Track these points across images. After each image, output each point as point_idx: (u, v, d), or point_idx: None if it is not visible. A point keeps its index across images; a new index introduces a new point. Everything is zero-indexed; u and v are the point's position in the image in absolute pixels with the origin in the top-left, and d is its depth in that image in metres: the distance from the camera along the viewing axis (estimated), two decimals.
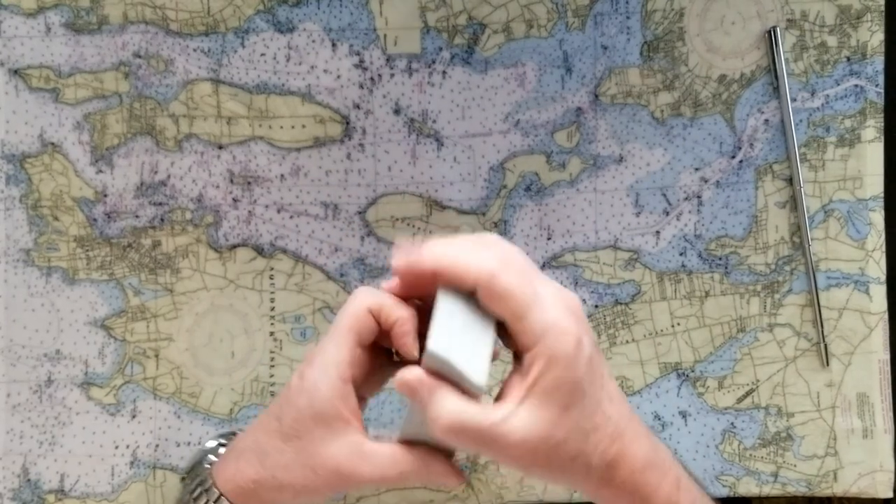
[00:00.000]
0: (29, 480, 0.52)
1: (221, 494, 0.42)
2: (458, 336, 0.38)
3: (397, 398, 0.53)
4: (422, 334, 0.39)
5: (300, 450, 0.40)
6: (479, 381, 0.38)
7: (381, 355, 0.43)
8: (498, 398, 0.38)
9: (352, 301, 0.41)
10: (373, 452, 0.40)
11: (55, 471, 0.52)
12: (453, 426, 0.37)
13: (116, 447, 0.53)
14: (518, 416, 0.37)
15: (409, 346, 0.40)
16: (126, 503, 0.52)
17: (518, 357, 0.39)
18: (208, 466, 0.45)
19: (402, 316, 0.40)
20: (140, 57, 0.53)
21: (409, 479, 0.40)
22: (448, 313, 0.38)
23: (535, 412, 0.37)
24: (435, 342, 0.37)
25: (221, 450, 0.49)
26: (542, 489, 0.53)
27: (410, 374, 0.38)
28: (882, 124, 0.53)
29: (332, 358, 0.40)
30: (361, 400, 0.42)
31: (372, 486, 0.43)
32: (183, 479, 0.47)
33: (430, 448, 0.40)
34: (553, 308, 0.37)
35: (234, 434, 0.49)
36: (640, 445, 0.39)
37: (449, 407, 0.37)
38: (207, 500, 0.42)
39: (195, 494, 0.43)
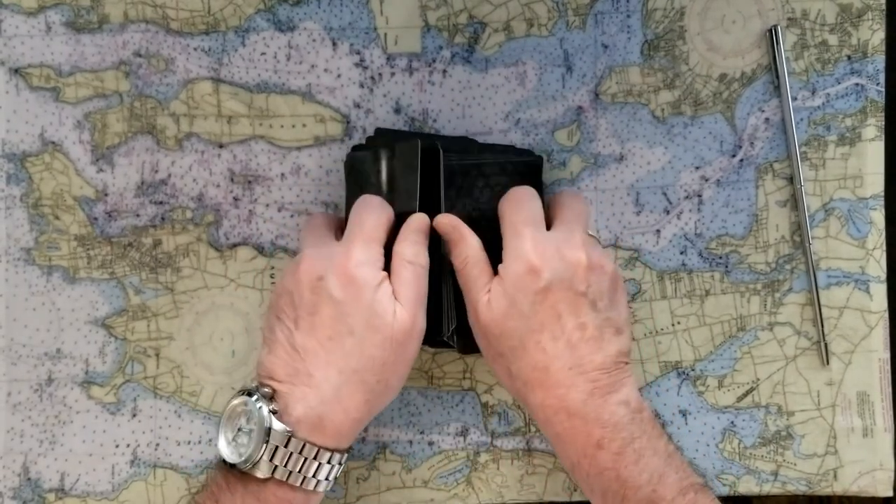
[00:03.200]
0: (29, 479, 0.52)
1: (333, 451, 0.44)
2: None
3: (398, 398, 0.53)
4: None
5: (385, 341, 0.44)
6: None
7: None
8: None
9: (363, 205, 0.47)
10: (399, 292, 0.46)
11: (55, 470, 0.52)
12: (464, 266, 0.46)
13: (117, 446, 0.53)
14: (492, 294, 0.45)
15: None
16: (126, 502, 0.52)
17: None
18: (294, 437, 0.42)
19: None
20: (140, 56, 0.53)
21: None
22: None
23: (487, 304, 0.45)
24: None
25: (284, 427, 0.43)
26: (542, 489, 0.53)
27: (446, 217, 0.47)
28: (883, 123, 0.53)
29: (371, 255, 0.45)
30: None
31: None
32: (230, 466, 0.43)
33: None
34: (531, 238, 0.45)
35: (266, 397, 0.44)
36: (564, 389, 0.44)
37: (470, 252, 0.47)
38: (307, 459, 0.43)
39: (296, 466, 0.43)
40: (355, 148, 0.51)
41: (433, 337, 0.48)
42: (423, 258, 0.46)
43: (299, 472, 0.43)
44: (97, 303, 0.53)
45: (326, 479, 0.44)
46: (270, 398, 0.43)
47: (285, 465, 0.42)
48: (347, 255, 0.44)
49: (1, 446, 0.52)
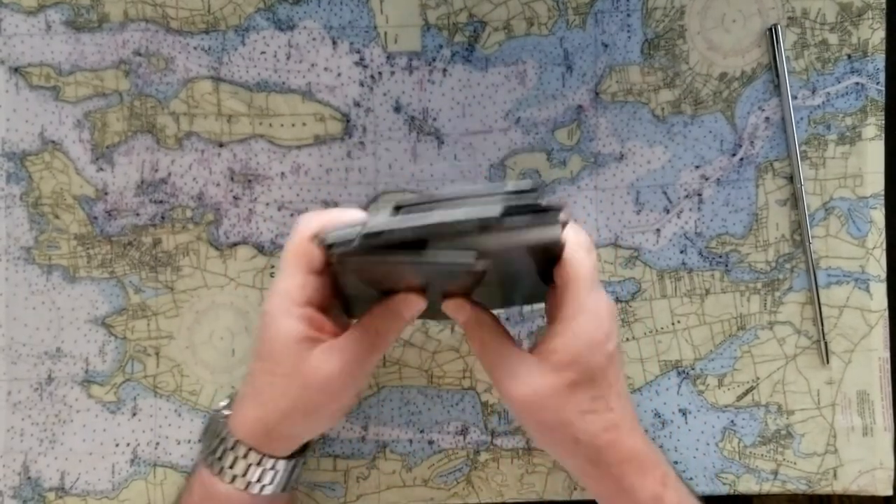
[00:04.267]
0: (29, 478, 0.52)
1: (237, 440, 0.44)
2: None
3: (398, 397, 0.53)
4: None
5: (286, 375, 0.42)
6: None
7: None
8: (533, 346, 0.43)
9: (294, 233, 0.44)
10: (338, 344, 0.43)
11: (56, 469, 0.52)
12: (482, 345, 0.43)
13: (117, 445, 0.53)
14: (531, 372, 0.42)
15: None
16: (126, 501, 0.52)
17: (552, 322, 0.44)
18: (222, 420, 0.45)
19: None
20: (140, 55, 0.53)
21: (383, 332, 0.43)
22: None
23: (545, 375, 0.41)
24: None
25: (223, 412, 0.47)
26: (542, 488, 0.53)
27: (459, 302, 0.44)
28: (883, 122, 0.53)
29: (282, 287, 0.43)
30: (344, 317, 0.47)
31: (361, 370, 0.43)
32: (200, 441, 0.48)
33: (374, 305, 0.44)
34: (600, 300, 0.42)
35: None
36: (633, 439, 0.43)
37: (487, 338, 0.43)
38: (224, 449, 0.44)
39: (213, 447, 0.44)
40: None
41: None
42: (386, 339, 0.43)
43: (219, 458, 0.44)
44: (97, 302, 0.53)
45: (243, 476, 0.44)
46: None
47: (214, 454, 0.45)
48: (272, 282, 0.44)
49: (1, 445, 0.52)
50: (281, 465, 0.45)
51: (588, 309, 0.42)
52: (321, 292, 0.43)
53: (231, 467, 0.44)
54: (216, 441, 0.45)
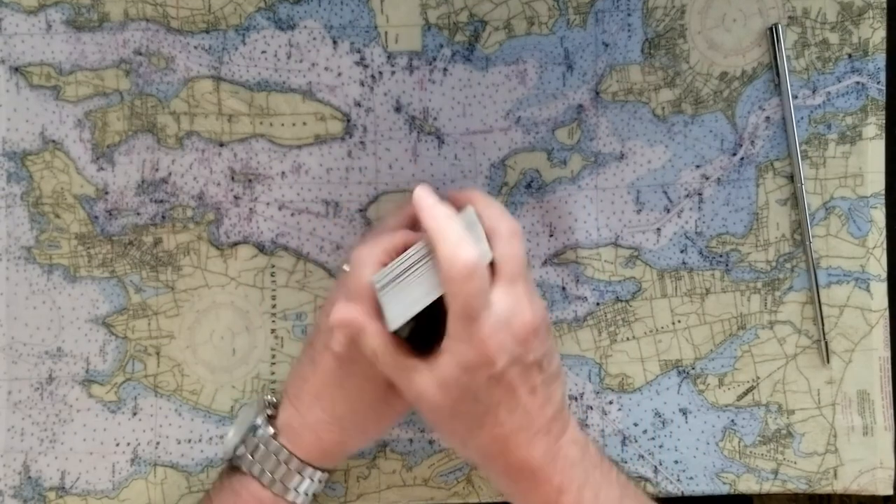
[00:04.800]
0: (30, 478, 0.52)
1: (304, 462, 0.46)
2: (406, 282, 0.42)
3: None
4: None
5: (374, 402, 0.45)
6: (391, 327, 0.42)
7: None
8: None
9: (358, 269, 0.44)
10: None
11: (56, 468, 0.52)
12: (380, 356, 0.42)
13: (117, 445, 0.53)
14: (422, 378, 0.42)
15: None
16: (127, 500, 0.52)
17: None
18: (273, 439, 0.46)
19: None
20: (141, 54, 0.53)
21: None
22: (408, 260, 0.42)
23: (434, 391, 0.41)
24: (380, 277, 0.42)
25: (269, 429, 0.47)
26: None
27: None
28: (883, 121, 0.53)
29: (374, 313, 0.43)
30: None
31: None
32: (230, 461, 0.47)
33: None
34: (487, 325, 0.40)
35: (271, 404, 0.48)
36: (526, 452, 0.43)
37: (378, 341, 0.42)
38: (288, 470, 0.46)
39: (269, 467, 0.46)
40: None
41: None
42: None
43: (272, 473, 0.46)
44: (98, 301, 0.53)
45: (296, 489, 0.46)
46: (273, 405, 0.48)
47: (262, 464, 0.46)
48: (353, 311, 0.43)
49: (1, 445, 0.52)
50: (325, 476, 0.48)
51: (463, 336, 0.40)
52: None
53: (297, 488, 0.46)
54: (271, 462, 0.46)
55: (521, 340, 0.41)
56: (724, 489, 0.53)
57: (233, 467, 0.47)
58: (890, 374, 0.53)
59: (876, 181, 0.53)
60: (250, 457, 0.46)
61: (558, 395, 0.44)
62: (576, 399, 0.53)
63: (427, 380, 0.41)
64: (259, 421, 0.47)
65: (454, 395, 0.41)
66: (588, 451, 0.45)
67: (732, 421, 0.53)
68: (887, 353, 0.53)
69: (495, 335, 0.40)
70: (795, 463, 0.53)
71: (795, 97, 0.53)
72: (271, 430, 0.46)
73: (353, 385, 0.45)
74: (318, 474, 0.47)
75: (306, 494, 0.47)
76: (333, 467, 0.48)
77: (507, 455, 0.43)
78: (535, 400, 0.42)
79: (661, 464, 0.53)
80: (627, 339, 0.53)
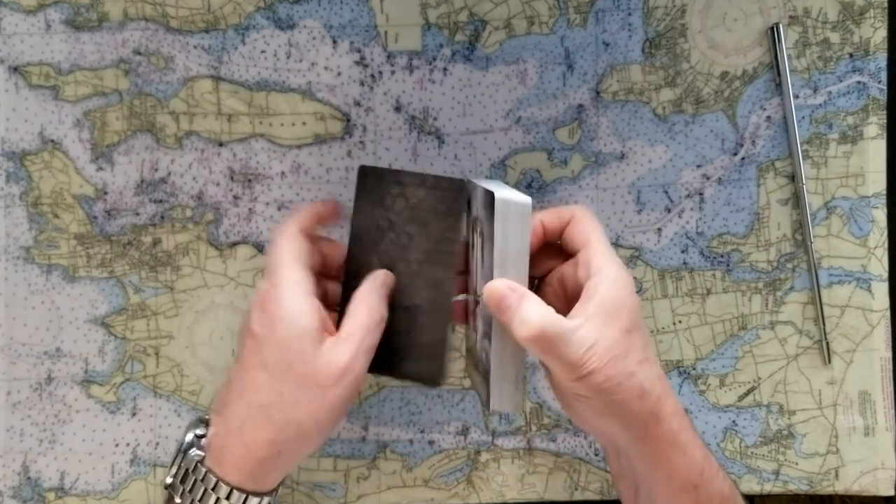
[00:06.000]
0: (29, 478, 0.52)
1: (233, 488, 0.41)
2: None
3: (398, 396, 0.53)
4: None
5: (300, 378, 0.41)
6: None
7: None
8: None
9: (279, 234, 0.44)
10: (342, 333, 0.42)
11: (55, 469, 0.52)
12: (538, 332, 0.39)
13: (117, 445, 0.52)
14: (587, 328, 0.40)
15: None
16: (126, 501, 0.52)
17: (580, 282, 0.43)
18: (198, 463, 0.42)
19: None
20: (140, 54, 0.52)
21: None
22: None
23: (602, 326, 0.40)
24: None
25: (198, 452, 0.43)
26: (543, 488, 0.53)
27: (500, 282, 0.41)
28: (885, 121, 0.53)
29: (291, 280, 0.42)
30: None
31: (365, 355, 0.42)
32: (167, 487, 0.43)
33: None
34: (617, 257, 0.43)
35: (203, 422, 0.44)
36: (676, 397, 0.42)
37: (535, 313, 0.40)
38: (206, 489, 0.41)
39: (198, 496, 0.41)
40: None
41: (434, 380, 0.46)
42: (383, 311, 0.43)
43: (199, 501, 0.41)
44: (97, 301, 0.52)
45: None
46: (206, 423, 0.43)
47: (190, 491, 0.42)
48: (267, 284, 0.42)
49: (1, 445, 0.52)
50: (266, 501, 0.42)
51: (616, 261, 0.42)
52: (318, 293, 0.43)
53: (190, 491, 0.42)
54: (199, 491, 0.41)
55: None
56: None
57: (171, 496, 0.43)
58: (891, 374, 0.53)
59: (877, 181, 0.53)
60: (180, 485, 0.42)
61: None
62: None
63: (590, 326, 0.40)
64: (188, 438, 0.43)
65: (625, 324, 0.40)
66: None
67: (733, 421, 0.53)
68: (889, 354, 0.53)
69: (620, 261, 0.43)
70: (797, 464, 0.53)
71: (796, 97, 0.53)
72: (199, 454, 0.42)
73: (276, 362, 0.41)
74: (254, 501, 0.42)
75: None
76: (271, 488, 0.42)
77: (670, 396, 0.41)
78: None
79: None
80: None
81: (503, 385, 0.42)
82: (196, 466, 0.42)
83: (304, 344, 0.41)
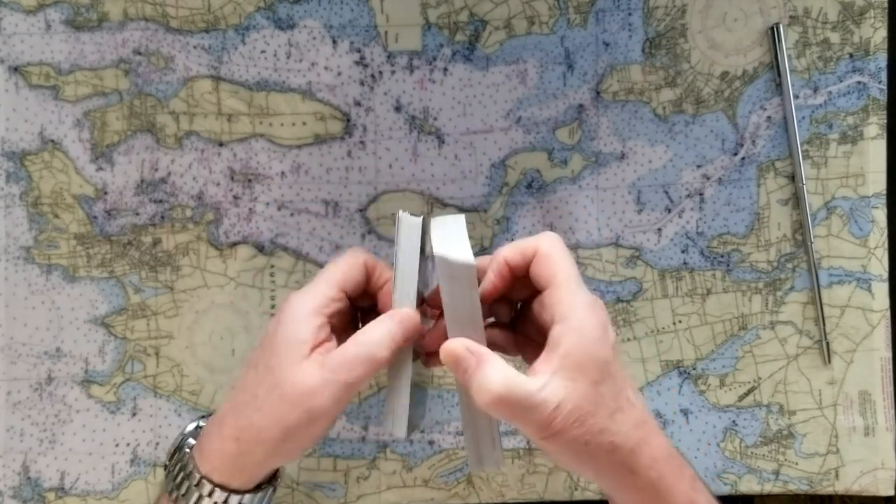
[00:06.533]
0: (29, 478, 0.52)
1: (202, 477, 0.42)
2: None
3: None
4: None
5: (272, 385, 0.41)
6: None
7: (351, 325, 0.45)
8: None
9: (349, 253, 0.44)
10: (328, 359, 0.41)
11: (55, 469, 0.52)
12: (498, 398, 0.38)
13: (117, 445, 0.52)
14: (552, 385, 0.38)
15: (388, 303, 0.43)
16: (126, 501, 0.52)
17: (535, 342, 0.42)
18: (188, 451, 0.43)
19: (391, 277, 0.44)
20: (140, 54, 0.52)
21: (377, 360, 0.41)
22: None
23: (567, 382, 0.38)
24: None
25: (189, 447, 0.45)
26: (543, 488, 0.53)
27: (456, 343, 0.40)
28: (885, 121, 0.53)
29: (311, 293, 0.42)
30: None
31: (344, 394, 0.41)
32: (165, 466, 0.45)
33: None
34: (586, 295, 0.40)
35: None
36: (660, 438, 0.40)
37: (494, 377, 0.38)
38: (189, 485, 0.42)
39: (178, 480, 0.42)
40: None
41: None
42: (385, 351, 0.41)
43: (181, 490, 0.42)
44: (97, 301, 0.52)
45: None
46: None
47: (178, 490, 0.42)
48: (298, 290, 0.43)
49: (1, 445, 0.52)
50: (247, 499, 0.42)
51: (582, 302, 0.39)
52: (340, 319, 0.43)
53: (175, 479, 0.42)
54: (179, 472, 0.43)
55: (606, 314, 0.41)
56: (725, 490, 0.53)
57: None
58: (891, 374, 0.53)
59: (877, 181, 0.53)
60: (174, 481, 0.43)
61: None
62: None
63: (556, 381, 0.38)
64: (191, 427, 0.45)
65: (593, 377, 0.38)
66: None
67: (734, 421, 0.53)
68: (889, 354, 0.53)
69: (590, 300, 0.40)
70: (797, 464, 0.53)
71: (797, 97, 0.53)
72: (192, 441, 0.44)
73: (263, 364, 0.41)
74: (235, 499, 0.42)
75: None
76: (243, 487, 0.42)
77: (651, 442, 0.39)
78: (634, 382, 0.42)
79: None
80: (628, 339, 0.53)
81: (480, 444, 0.42)
82: (186, 462, 0.43)
83: (290, 354, 0.41)
